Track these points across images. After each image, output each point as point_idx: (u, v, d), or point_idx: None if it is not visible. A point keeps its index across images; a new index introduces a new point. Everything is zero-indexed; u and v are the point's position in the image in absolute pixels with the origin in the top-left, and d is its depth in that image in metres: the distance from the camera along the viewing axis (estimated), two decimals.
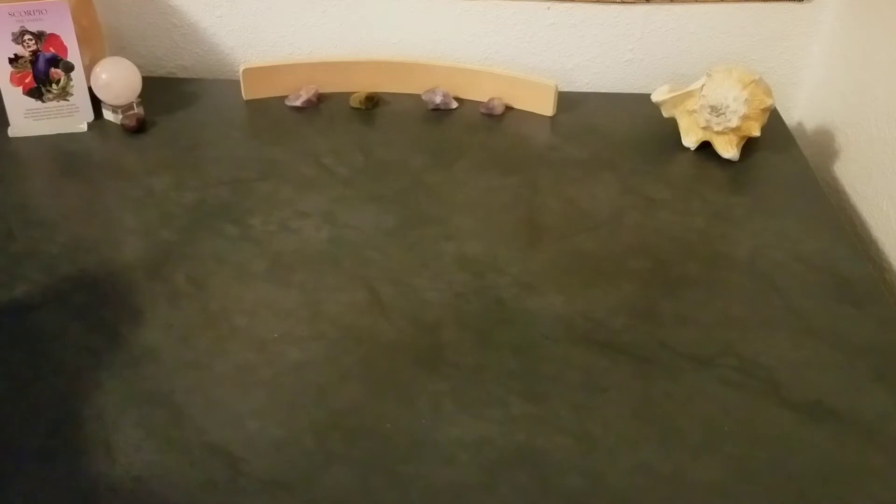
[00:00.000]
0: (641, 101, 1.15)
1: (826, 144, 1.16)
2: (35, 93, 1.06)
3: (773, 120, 1.11)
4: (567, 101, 1.16)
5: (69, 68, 1.06)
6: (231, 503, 0.65)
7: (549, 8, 1.18)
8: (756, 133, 1.05)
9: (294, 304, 0.83)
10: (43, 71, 1.05)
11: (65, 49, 1.05)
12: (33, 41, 1.04)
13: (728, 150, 1.05)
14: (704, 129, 1.06)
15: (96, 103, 1.09)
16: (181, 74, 1.25)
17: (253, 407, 0.72)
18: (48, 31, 1.04)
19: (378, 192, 0.99)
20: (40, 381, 0.74)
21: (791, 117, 1.25)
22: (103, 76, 1.07)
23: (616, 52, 1.21)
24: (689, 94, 1.06)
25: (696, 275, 0.88)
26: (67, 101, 1.08)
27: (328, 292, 0.84)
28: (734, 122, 1.02)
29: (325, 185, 1.00)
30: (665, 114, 1.10)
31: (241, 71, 1.14)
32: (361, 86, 1.17)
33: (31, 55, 1.04)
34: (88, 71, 1.08)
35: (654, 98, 1.09)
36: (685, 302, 0.85)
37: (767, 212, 0.98)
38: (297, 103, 1.14)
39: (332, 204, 0.97)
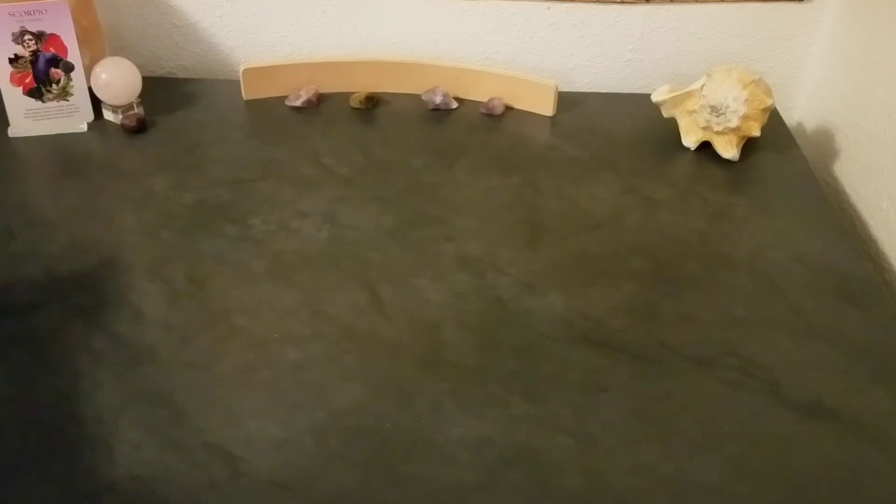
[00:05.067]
0: (641, 101, 1.15)
1: (826, 144, 1.16)
2: (35, 93, 1.06)
3: (773, 120, 1.11)
4: (567, 101, 1.16)
5: (69, 68, 1.06)
6: (231, 503, 0.65)
7: (549, 8, 1.18)
8: (756, 133, 1.05)
9: (294, 304, 0.83)
10: (43, 71, 1.05)
11: (65, 49, 1.05)
12: (33, 41, 1.04)
13: (728, 150, 1.05)
14: (704, 129, 1.06)
15: (96, 103, 1.09)
16: (181, 74, 1.25)
17: (253, 407, 0.72)
18: (48, 31, 1.04)
19: (378, 192, 0.99)
20: (40, 381, 0.74)
21: (791, 117, 1.25)
22: (103, 76, 1.07)
23: (616, 52, 1.21)
24: (689, 94, 1.06)
25: (696, 275, 0.88)
26: (67, 101, 1.08)
27: (328, 292, 0.84)
28: (734, 122, 1.02)
29: (325, 185, 1.00)
30: (665, 114, 1.10)
31: (241, 71, 1.14)
32: (361, 86, 1.17)
33: (31, 55, 1.04)
34: (88, 71, 1.08)
35: (654, 98, 1.09)
36: (685, 302, 0.85)
37: (767, 212, 0.98)
38: (297, 103, 1.14)
39: (332, 204, 0.97)
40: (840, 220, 0.97)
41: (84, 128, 1.09)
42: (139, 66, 1.11)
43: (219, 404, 0.72)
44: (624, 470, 0.68)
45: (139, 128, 1.08)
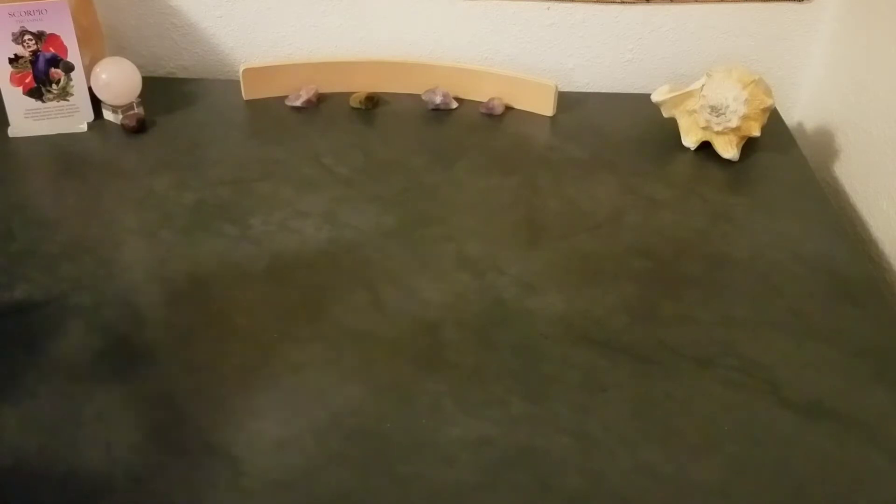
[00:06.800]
0: (641, 101, 1.15)
1: (826, 144, 1.16)
2: (35, 93, 1.06)
3: (773, 120, 1.11)
4: (567, 101, 1.16)
5: (69, 68, 1.06)
6: (231, 503, 0.65)
7: (549, 8, 1.18)
8: (756, 133, 1.05)
9: (294, 304, 0.83)
10: (43, 71, 1.05)
11: (65, 49, 1.05)
12: (33, 41, 1.04)
13: (728, 150, 1.05)
14: (704, 129, 1.06)
15: (96, 103, 1.09)
16: (181, 74, 1.25)
17: (253, 407, 0.72)
18: (48, 31, 1.04)
19: (378, 192, 0.99)
20: (40, 381, 0.74)
21: (791, 117, 1.25)
22: (103, 76, 1.07)
23: (616, 52, 1.21)
24: (689, 94, 1.06)
25: (696, 275, 0.88)
26: (67, 101, 1.08)
27: (328, 292, 0.84)
28: (734, 122, 1.02)
29: (325, 185, 1.00)
30: (665, 114, 1.10)
31: (241, 71, 1.14)
32: (361, 86, 1.17)
33: (31, 55, 1.04)
34: (88, 71, 1.08)
35: (654, 98, 1.09)
36: (685, 302, 0.85)
37: (767, 212, 0.98)
38: (297, 103, 1.14)
39: (332, 204, 0.97)
40: (840, 220, 0.97)
41: (84, 128, 1.09)
42: (139, 66, 1.11)
43: (219, 404, 0.72)
44: (624, 470, 0.68)
45: (139, 128, 1.08)
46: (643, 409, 0.73)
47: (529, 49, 1.21)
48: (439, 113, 1.15)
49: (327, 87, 1.17)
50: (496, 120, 1.14)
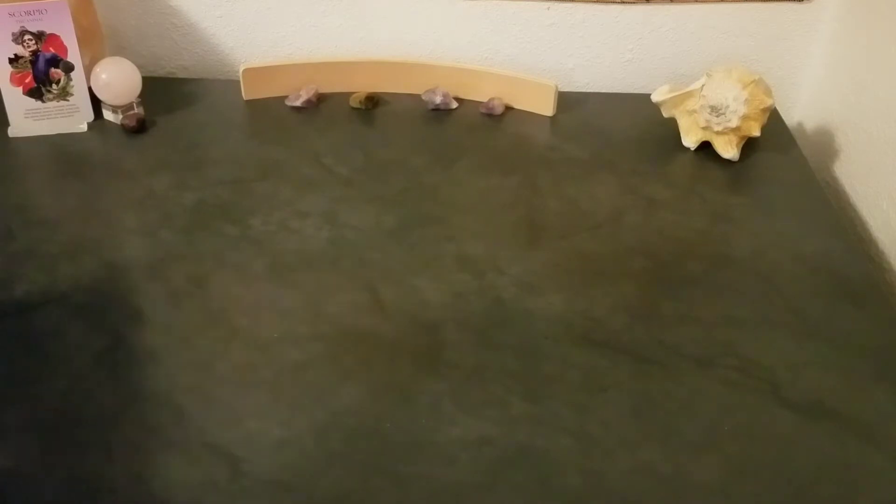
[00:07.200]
0: (641, 101, 1.15)
1: (826, 144, 1.16)
2: (35, 93, 1.06)
3: (773, 120, 1.11)
4: (567, 101, 1.16)
5: (69, 68, 1.06)
6: (231, 503, 0.65)
7: (549, 8, 1.18)
8: (756, 133, 1.05)
9: (294, 304, 0.83)
10: (43, 71, 1.05)
11: (65, 49, 1.05)
12: (33, 41, 1.04)
13: (728, 150, 1.05)
14: (704, 129, 1.06)
15: (96, 103, 1.09)
16: (181, 74, 1.25)
17: (253, 407, 0.72)
18: (48, 31, 1.04)
19: (378, 192, 0.99)
20: (40, 381, 0.74)
21: (791, 117, 1.25)
22: (103, 76, 1.07)
23: (616, 52, 1.21)
24: (689, 94, 1.06)
25: (696, 275, 0.88)
26: (67, 101, 1.08)
27: (328, 292, 0.84)
28: (734, 122, 1.02)
29: (325, 185, 1.00)
30: (665, 114, 1.10)
31: (241, 71, 1.14)
32: (361, 86, 1.17)
33: (31, 55, 1.04)
34: (88, 71, 1.08)
35: (654, 98, 1.09)
36: (685, 302, 0.85)
37: (767, 212, 0.98)
38: (297, 103, 1.14)
39: (332, 204, 0.97)
40: (840, 220, 0.97)
41: (84, 128, 1.09)
42: (139, 66, 1.11)
43: (219, 404, 0.72)
44: (624, 470, 0.68)
45: (139, 128, 1.08)
46: (643, 409, 0.73)
47: (529, 49, 1.21)
48: (439, 113, 1.15)
49: (327, 87, 1.17)
50: (496, 120, 1.14)
